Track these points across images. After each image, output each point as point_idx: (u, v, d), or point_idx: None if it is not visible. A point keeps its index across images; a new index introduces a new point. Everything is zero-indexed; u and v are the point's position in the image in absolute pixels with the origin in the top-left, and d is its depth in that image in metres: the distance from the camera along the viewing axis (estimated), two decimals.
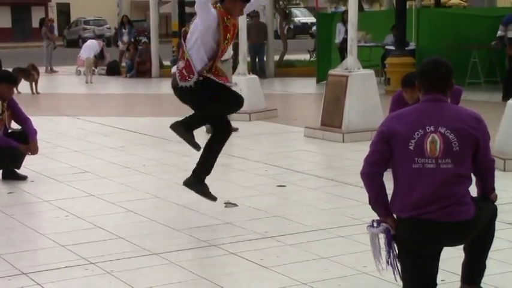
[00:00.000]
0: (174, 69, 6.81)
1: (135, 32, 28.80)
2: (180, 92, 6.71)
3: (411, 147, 4.21)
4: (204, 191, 6.86)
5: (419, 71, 4.43)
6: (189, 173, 8.83)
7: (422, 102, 4.35)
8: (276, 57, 23.36)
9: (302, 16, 49.86)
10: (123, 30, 26.34)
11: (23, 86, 18.55)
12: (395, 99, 8.26)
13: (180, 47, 6.77)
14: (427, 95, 4.32)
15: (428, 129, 4.21)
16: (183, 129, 6.81)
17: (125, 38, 25.88)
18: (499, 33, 14.93)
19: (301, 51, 27.34)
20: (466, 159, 4.23)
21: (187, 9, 30.45)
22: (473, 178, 4.40)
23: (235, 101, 6.85)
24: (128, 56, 24.43)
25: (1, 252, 5.89)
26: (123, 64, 25.01)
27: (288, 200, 7.53)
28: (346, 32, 15.57)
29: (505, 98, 12.02)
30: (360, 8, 20.38)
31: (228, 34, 6.64)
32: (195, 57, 6.55)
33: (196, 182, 6.86)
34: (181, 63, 6.64)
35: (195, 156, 9.82)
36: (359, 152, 9.14)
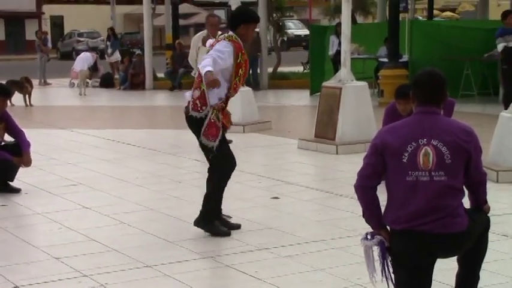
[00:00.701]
0: (187, 95, 6.71)
1: (128, 44, 28.77)
2: (190, 121, 6.63)
3: (404, 160, 4.21)
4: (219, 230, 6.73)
5: (414, 82, 4.42)
6: (182, 185, 8.84)
7: (415, 114, 4.35)
8: (270, 69, 23.40)
9: (295, 28, 49.99)
10: (108, 42, 26.39)
11: (17, 98, 18.53)
12: (388, 111, 8.27)
13: (198, 76, 6.62)
14: (421, 107, 4.32)
15: (421, 142, 4.21)
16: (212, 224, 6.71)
17: (109, 51, 25.88)
18: (502, 45, 14.68)
19: (295, 63, 27.39)
20: (458, 172, 4.24)
21: (181, 22, 30.53)
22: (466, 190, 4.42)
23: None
24: (122, 68, 24.43)
25: None
26: (117, 76, 25.01)
27: (282, 212, 7.53)
28: (339, 44, 15.61)
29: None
30: (353, 21, 20.46)
31: (240, 70, 6.59)
32: (212, 91, 6.46)
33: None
34: (196, 92, 6.54)
35: (188, 168, 9.86)
36: (353, 163, 9.15)
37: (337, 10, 30.62)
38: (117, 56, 25.84)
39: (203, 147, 6.64)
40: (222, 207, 6.86)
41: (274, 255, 6.03)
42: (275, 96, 20.62)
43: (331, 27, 21.63)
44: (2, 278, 5.57)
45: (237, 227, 6.80)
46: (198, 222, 6.72)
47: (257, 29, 22.65)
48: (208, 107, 6.47)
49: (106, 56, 25.98)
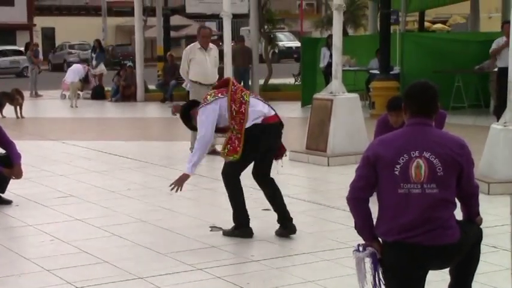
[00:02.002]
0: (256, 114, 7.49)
1: (120, 56, 28.72)
2: (281, 131, 7.49)
3: (396, 172, 4.21)
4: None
5: (406, 93, 4.41)
6: (174, 196, 8.81)
7: (407, 126, 4.35)
8: (261, 81, 23.41)
9: (287, 40, 50.09)
10: (93, 54, 26.40)
11: (8, 110, 18.51)
12: (380, 123, 8.28)
13: (261, 100, 7.56)
14: (413, 119, 4.33)
15: (413, 154, 4.21)
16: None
17: (94, 63, 25.87)
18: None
19: (286, 75, 27.42)
20: (450, 184, 4.24)
21: (172, 34, 30.56)
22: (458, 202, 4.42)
23: None
24: (116, 80, 24.40)
25: None
26: (107, 88, 24.99)
27: (273, 224, 7.50)
28: (330, 56, 15.65)
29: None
30: (345, 33, 20.51)
31: None
32: None
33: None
34: (271, 110, 7.58)
35: None
36: (344, 175, 9.17)
37: (329, 22, 30.73)
38: (101, 68, 25.81)
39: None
40: (213, 219, 6.86)
41: (266, 267, 6.03)
42: None
43: (322, 39, 21.68)
44: None
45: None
46: (285, 225, 7.00)
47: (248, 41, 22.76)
48: None
49: (90, 68, 25.87)
